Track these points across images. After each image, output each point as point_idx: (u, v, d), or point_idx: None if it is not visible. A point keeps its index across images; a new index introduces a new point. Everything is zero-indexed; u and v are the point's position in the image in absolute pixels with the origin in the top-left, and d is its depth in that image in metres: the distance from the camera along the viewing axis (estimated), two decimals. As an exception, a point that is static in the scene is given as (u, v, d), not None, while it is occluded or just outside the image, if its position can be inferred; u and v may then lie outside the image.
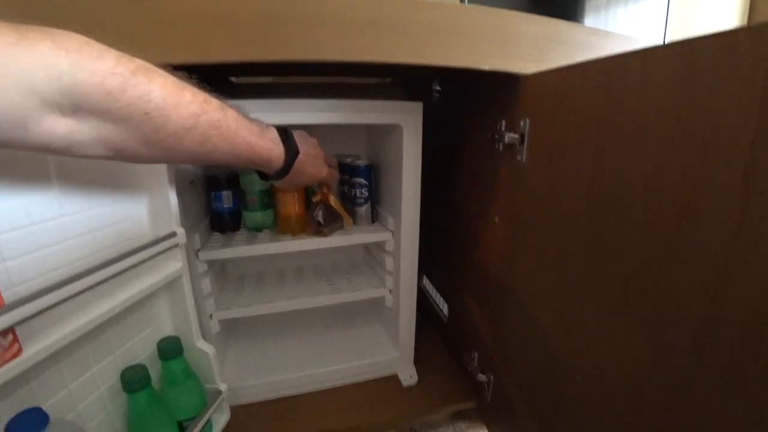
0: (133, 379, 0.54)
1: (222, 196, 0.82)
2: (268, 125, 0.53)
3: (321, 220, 0.77)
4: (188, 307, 0.62)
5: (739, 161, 0.29)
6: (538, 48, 0.61)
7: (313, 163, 0.62)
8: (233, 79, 0.93)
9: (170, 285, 0.60)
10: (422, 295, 1.07)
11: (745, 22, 1.69)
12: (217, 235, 0.83)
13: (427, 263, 0.94)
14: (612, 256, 0.43)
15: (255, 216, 0.83)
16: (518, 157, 0.61)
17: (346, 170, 0.85)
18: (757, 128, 0.28)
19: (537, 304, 0.59)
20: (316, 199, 0.79)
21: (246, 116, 0.47)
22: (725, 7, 1.65)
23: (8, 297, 0.39)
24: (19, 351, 0.40)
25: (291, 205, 0.78)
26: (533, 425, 0.62)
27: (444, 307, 0.97)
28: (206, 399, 0.65)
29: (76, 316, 0.46)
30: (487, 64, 0.58)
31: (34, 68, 0.28)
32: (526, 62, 0.60)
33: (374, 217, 0.87)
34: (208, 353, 0.66)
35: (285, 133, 0.55)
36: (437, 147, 0.87)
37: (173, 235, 0.57)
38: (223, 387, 0.68)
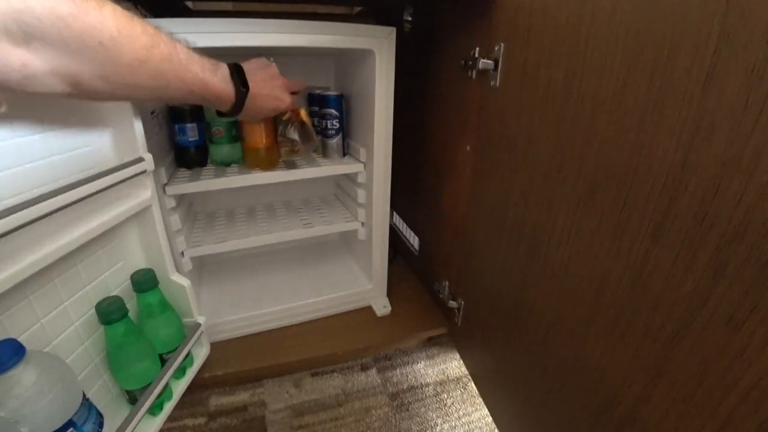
0: (109, 310, 0.53)
1: (186, 129, 0.78)
2: (218, 62, 0.51)
3: (296, 137, 0.75)
4: (160, 238, 0.61)
5: (701, 65, 0.31)
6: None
7: (270, 95, 0.61)
8: (190, 4, 0.87)
9: (140, 215, 0.58)
10: (392, 231, 1.09)
11: None
12: (183, 171, 0.80)
13: (396, 200, 0.95)
14: (580, 162, 0.45)
15: (222, 149, 0.80)
16: (492, 83, 0.61)
17: (316, 101, 0.83)
18: (720, 32, 0.29)
19: (507, 219, 0.62)
20: (285, 117, 0.74)
21: (196, 51, 0.46)
22: None
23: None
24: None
25: (258, 137, 0.76)
26: (500, 342, 0.66)
27: (415, 241, 1.00)
28: (185, 332, 0.65)
29: (42, 244, 0.44)
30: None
31: None
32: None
33: (345, 150, 0.86)
34: (183, 286, 0.65)
35: (236, 69, 0.53)
36: (408, 78, 0.85)
37: (140, 160, 0.54)
38: (201, 319, 0.69)
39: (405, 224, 1.06)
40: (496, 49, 0.60)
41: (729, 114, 0.29)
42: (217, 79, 0.50)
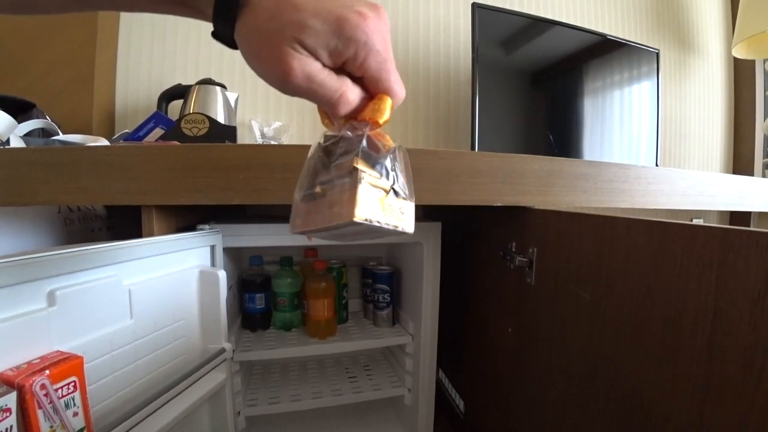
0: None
1: (255, 298, 0.89)
2: None
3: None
4: (228, 414, 0.68)
5: (704, 331, 0.36)
6: (542, 182, 0.71)
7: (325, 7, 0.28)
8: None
9: (215, 394, 0.66)
10: (438, 390, 1.11)
11: (731, 103, 1.85)
12: (247, 333, 0.90)
13: (443, 359, 0.98)
14: (610, 385, 0.49)
15: (284, 316, 0.91)
16: (527, 280, 0.69)
17: (369, 275, 0.93)
18: (715, 309, 0.36)
19: (546, 409, 0.64)
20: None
21: None
22: (711, 90, 1.81)
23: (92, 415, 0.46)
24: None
25: (321, 311, 0.85)
26: None
27: (460, 404, 1.01)
28: (237, 505, 0.69)
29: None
30: (499, 201, 0.68)
31: None
32: (532, 195, 0.70)
33: (395, 319, 0.93)
34: (240, 459, 0.70)
35: None
36: (455, 257, 0.95)
37: (222, 351, 0.64)
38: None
39: (451, 385, 1.07)
40: (530, 250, 0.68)
41: (732, 381, 0.34)
42: None
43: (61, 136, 0.80)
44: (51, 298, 0.43)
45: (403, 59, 1.35)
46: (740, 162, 1.86)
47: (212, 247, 0.67)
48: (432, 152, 0.64)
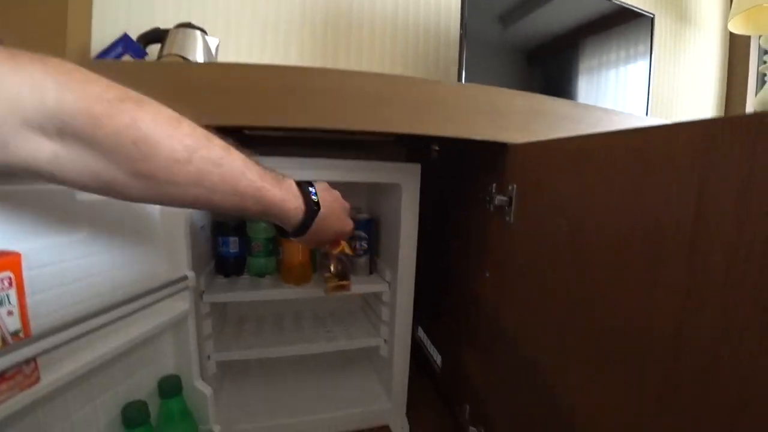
0: (133, 415, 0.56)
1: (229, 242, 0.87)
2: (285, 175, 0.49)
3: (344, 272, 0.80)
4: (191, 346, 0.65)
5: (684, 238, 0.34)
6: (524, 119, 0.68)
7: (339, 217, 0.58)
8: (246, 131, 1.01)
9: (176, 324, 0.64)
10: (416, 345, 1.09)
11: (724, 78, 1.83)
12: (221, 278, 0.87)
13: (421, 314, 0.97)
14: (590, 315, 0.47)
15: (259, 261, 0.88)
16: (507, 218, 0.66)
17: (349, 221, 0.91)
18: (696, 214, 0.33)
19: (524, 353, 0.62)
20: (336, 251, 0.68)
21: (259, 163, 0.45)
22: (705, 63, 1.79)
23: (34, 328, 0.43)
24: (37, 380, 0.43)
25: (295, 256, 0.83)
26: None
27: (437, 358, 0.99)
28: (199, 439, 0.67)
29: (89, 349, 0.49)
30: (479, 135, 0.65)
31: (20, 87, 0.27)
32: (514, 132, 0.67)
33: (372, 268, 0.91)
34: (205, 394, 0.68)
35: (306, 186, 0.51)
36: (434, 202, 0.92)
37: (184, 278, 0.61)
38: (216, 429, 0.70)
39: (429, 341, 1.06)
40: (509, 188, 0.66)
41: (713, 285, 0.32)
42: (280, 192, 0.47)
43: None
44: None
45: (390, 49, 1.32)
46: None
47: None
48: (407, 79, 0.61)
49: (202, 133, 0.38)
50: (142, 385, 0.63)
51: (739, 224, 0.30)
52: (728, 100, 1.83)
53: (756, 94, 1.70)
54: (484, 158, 0.74)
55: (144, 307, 0.53)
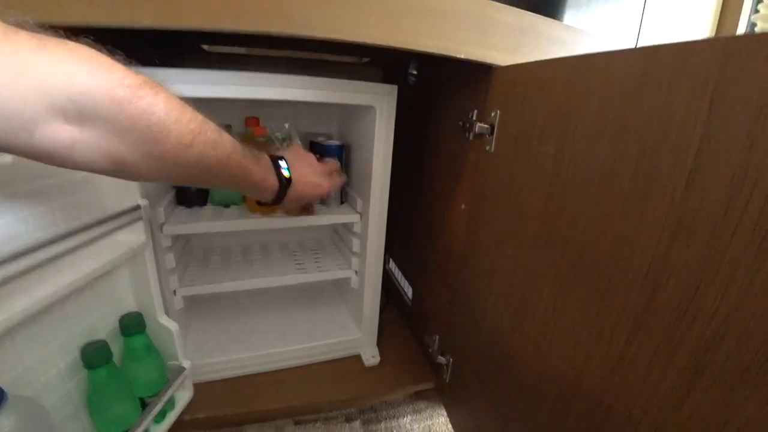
0: (93, 356, 0.53)
1: (188, 170, 0.79)
2: (261, 152, 0.54)
3: None
4: (151, 282, 0.61)
5: (684, 165, 0.32)
6: (513, 39, 0.62)
7: (310, 183, 0.63)
8: (205, 47, 0.90)
9: (132, 259, 0.59)
10: (387, 277, 1.09)
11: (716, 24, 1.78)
12: (182, 209, 0.81)
13: (393, 246, 0.95)
14: (565, 241, 0.45)
15: (222, 192, 0.82)
16: (487, 147, 0.63)
17: (317, 149, 0.85)
18: (702, 135, 0.30)
19: (495, 287, 0.62)
20: None
21: (241, 143, 0.47)
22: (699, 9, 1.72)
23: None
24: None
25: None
26: (486, 405, 0.65)
27: (408, 290, 1.00)
28: (168, 376, 0.65)
29: (33, 288, 0.44)
30: (462, 52, 0.58)
31: (52, 74, 0.29)
32: (500, 52, 0.61)
33: (343, 198, 0.87)
34: (171, 329, 0.65)
35: (277, 160, 0.57)
36: (409, 130, 0.87)
37: (137, 208, 0.55)
38: (186, 364, 0.68)
39: (400, 273, 1.06)
40: (492, 115, 0.61)
41: (710, 217, 0.30)
42: (260, 170, 0.52)
43: None
44: None
45: None
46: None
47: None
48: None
49: (201, 117, 0.40)
50: (101, 325, 0.60)
51: (749, 150, 0.28)
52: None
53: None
54: (466, 81, 0.68)
55: (93, 240, 0.48)
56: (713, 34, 1.76)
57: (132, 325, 0.59)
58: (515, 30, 0.62)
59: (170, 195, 0.80)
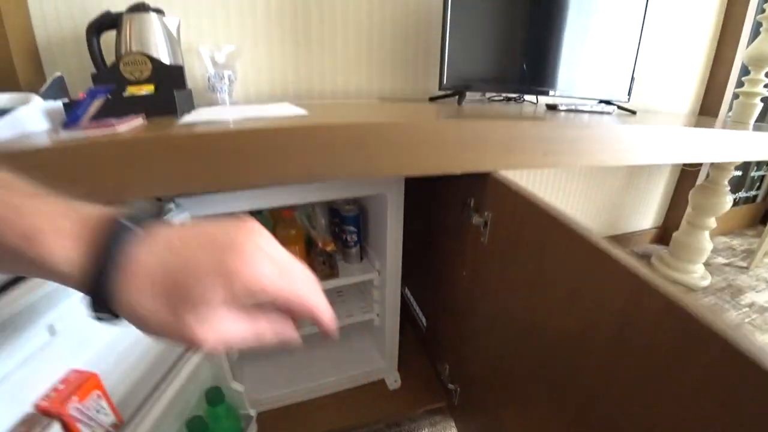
0: (195, 428, 0.71)
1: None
2: (84, 203, 0.27)
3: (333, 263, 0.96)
4: (224, 366, 0.78)
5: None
6: (505, 146, 0.74)
7: (202, 286, 0.26)
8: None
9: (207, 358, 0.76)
10: (405, 303, 1.26)
11: (718, 28, 1.85)
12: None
13: (409, 276, 1.11)
14: (540, 331, 0.61)
15: None
16: (482, 239, 0.77)
17: (338, 217, 0.99)
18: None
19: (490, 342, 0.78)
20: (330, 248, 0.93)
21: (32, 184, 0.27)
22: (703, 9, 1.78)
23: (119, 408, 0.54)
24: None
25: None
26: (490, 423, 0.84)
27: (423, 319, 1.17)
28: (242, 424, 0.84)
29: (159, 400, 0.61)
30: (463, 168, 0.72)
31: None
32: (495, 159, 0.74)
33: (363, 255, 1.03)
34: (240, 390, 0.83)
35: (121, 223, 0.27)
36: (419, 206, 1.00)
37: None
38: (252, 412, 0.87)
39: (416, 303, 1.23)
40: (486, 213, 0.75)
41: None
42: (32, 219, 0.25)
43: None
44: (51, 330, 0.46)
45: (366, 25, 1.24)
46: (714, 80, 1.91)
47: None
48: (392, 125, 0.65)
49: None
50: (192, 398, 0.77)
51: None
52: (720, 44, 1.85)
53: (747, 46, 1.58)
54: (467, 181, 0.81)
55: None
56: (718, 34, 1.84)
57: (215, 397, 0.76)
58: (506, 139, 0.74)
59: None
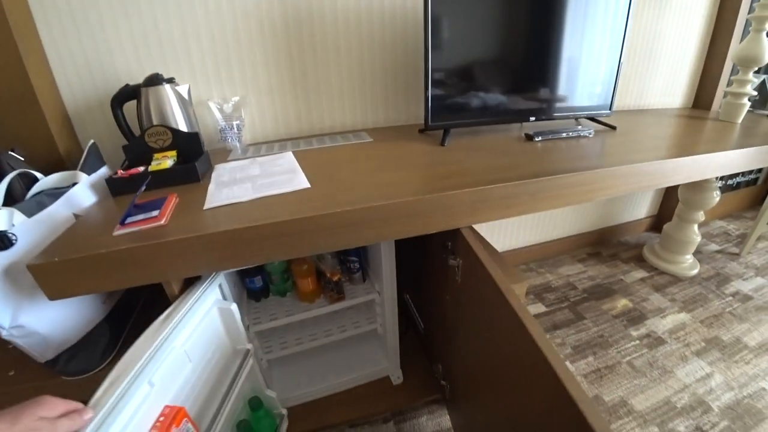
0: (244, 429, 0.95)
1: (254, 280, 1.16)
2: None
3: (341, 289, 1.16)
4: (259, 378, 1.01)
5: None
6: (472, 208, 0.91)
7: None
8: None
9: (249, 372, 0.98)
10: (406, 306, 1.47)
11: (711, 25, 1.90)
12: (253, 302, 1.19)
13: (408, 285, 1.31)
14: (495, 350, 0.81)
15: (279, 287, 1.19)
16: (456, 278, 0.96)
17: (342, 250, 1.18)
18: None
19: (467, 352, 0.99)
20: (337, 277, 1.13)
21: None
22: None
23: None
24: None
25: (306, 286, 1.14)
26: (474, 413, 1.06)
27: (421, 322, 1.38)
28: (277, 420, 1.08)
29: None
30: (436, 228, 0.90)
31: None
32: (463, 218, 0.92)
33: (365, 277, 1.23)
34: (273, 397, 1.06)
35: None
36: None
37: (248, 352, 0.93)
38: (284, 411, 1.10)
39: (414, 308, 1.43)
40: (457, 259, 0.94)
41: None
42: None
43: (45, 181, 0.89)
44: (151, 383, 0.68)
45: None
46: (708, 74, 1.95)
47: (220, 286, 0.90)
48: (381, 207, 0.83)
49: None
50: (238, 406, 1.00)
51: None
52: (712, 42, 1.90)
53: (740, 42, 1.58)
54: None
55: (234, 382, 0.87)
56: (711, 31, 1.91)
57: (256, 404, 0.99)
58: (473, 202, 0.91)
59: (243, 295, 1.17)
